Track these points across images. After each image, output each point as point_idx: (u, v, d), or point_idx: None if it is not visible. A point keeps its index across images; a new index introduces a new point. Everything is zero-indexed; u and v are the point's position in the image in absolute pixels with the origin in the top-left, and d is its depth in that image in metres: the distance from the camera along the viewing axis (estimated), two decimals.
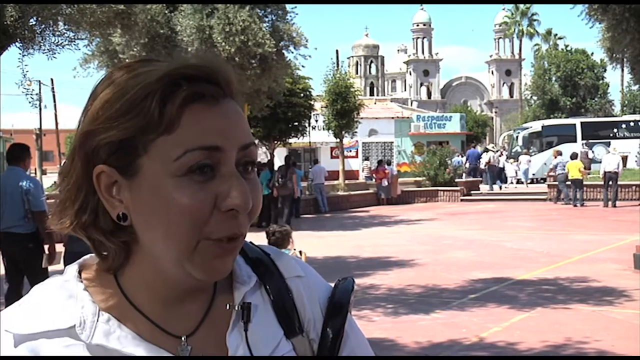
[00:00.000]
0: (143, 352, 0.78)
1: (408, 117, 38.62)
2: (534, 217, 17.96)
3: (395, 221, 17.87)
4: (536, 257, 10.93)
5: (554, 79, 53.91)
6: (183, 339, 0.81)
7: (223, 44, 13.71)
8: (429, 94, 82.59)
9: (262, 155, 24.77)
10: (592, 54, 52.67)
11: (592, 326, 6.55)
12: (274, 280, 0.88)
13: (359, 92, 27.27)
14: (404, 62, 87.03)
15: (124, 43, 14.05)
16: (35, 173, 32.51)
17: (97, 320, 0.78)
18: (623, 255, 10.17)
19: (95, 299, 0.80)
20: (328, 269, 9.22)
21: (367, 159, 35.34)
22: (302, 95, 24.30)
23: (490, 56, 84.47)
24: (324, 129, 27.37)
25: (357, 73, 78.34)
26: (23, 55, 9.24)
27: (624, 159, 24.38)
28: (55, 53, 9.29)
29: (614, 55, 12.23)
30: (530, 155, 28.53)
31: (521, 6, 70.81)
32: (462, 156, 29.57)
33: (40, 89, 39.50)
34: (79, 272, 0.84)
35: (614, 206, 19.19)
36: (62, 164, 0.86)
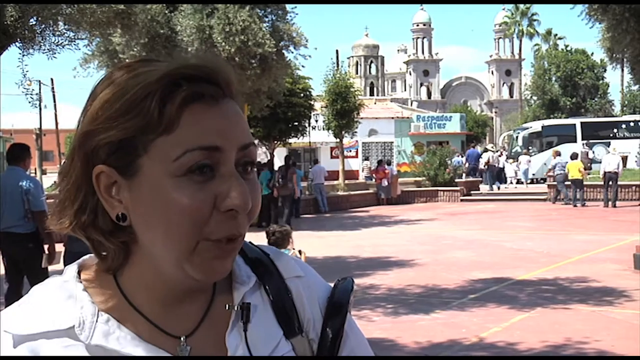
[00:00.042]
0: (142, 352, 0.78)
1: (408, 117, 38.63)
2: (533, 217, 17.96)
3: (395, 221, 17.87)
4: (536, 257, 10.93)
5: (554, 79, 53.93)
6: (182, 339, 0.81)
7: (223, 44, 13.71)
8: (429, 94, 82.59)
9: (262, 155, 24.78)
10: (592, 54, 52.74)
11: (592, 326, 6.55)
12: (274, 280, 0.88)
13: (359, 92, 27.27)
14: (404, 62, 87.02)
15: (124, 43, 14.05)
16: (35, 173, 32.50)
17: (96, 321, 0.78)
18: (623, 255, 10.17)
19: (95, 299, 0.80)
20: (328, 269, 9.22)
21: (367, 159, 35.33)
22: (302, 95, 24.31)
23: (490, 56, 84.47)
24: (324, 129, 27.38)
25: (357, 73, 78.33)
26: (23, 55, 9.25)
27: (624, 159, 24.38)
28: (55, 53, 9.29)
29: (614, 55, 12.22)
30: (530, 156, 28.53)
31: (521, 6, 70.82)
32: (462, 156, 29.57)
33: (40, 89, 39.56)
34: (78, 273, 0.83)
35: (614, 206, 19.20)
36: (61, 164, 0.85)
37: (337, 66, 27.85)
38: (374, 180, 25.04)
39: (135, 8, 10.52)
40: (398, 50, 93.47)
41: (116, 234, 0.80)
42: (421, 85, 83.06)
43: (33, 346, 0.76)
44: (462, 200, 23.74)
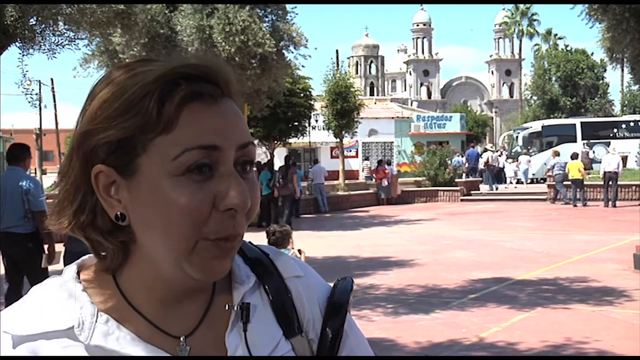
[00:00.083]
0: (141, 352, 0.78)
1: (408, 117, 38.62)
2: (533, 217, 17.96)
3: (395, 221, 17.87)
4: (536, 257, 10.93)
5: (554, 79, 53.91)
6: (182, 339, 0.81)
7: (223, 44, 13.71)
8: (429, 94, 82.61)
9: (262, 155, 24.78)
10: (592, 54, 52.70)
11: (592, 326, 6.55)
12: (273, 280, 0.88)
13: (359, 92, 27.28)
14: (404, 62, 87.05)
15: (124, 43, 14.05)
16: (35, 173, 32.50)
17: (96, 321, 0.78)
18: (623, 255, 10.17)
19: (94, 299, 0.80)
20: (328, 269, 9.22)
21: (367, 159, 35.33)
22: (302, 95, 24.31)
23: (490, 56, 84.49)
24: (324, 129, 27.38)
25: (357, 73, 78.34)
26: (23, 55, 9.25)
27: (624, 159, 24.39)
28: (55, 53, 9.29)
29: (614, 55, 12.22)
30: (530, 155, 28.54)
31: (521, 6, 70.84)
32: (462, 156, 29.57)
33: (40, 89, 39.58)
34: (78, 273, 0.83)
35: (614, 206, 19.20)
36: (61, 164, 0.85)
37: (337, 66, 27.87)
38: (374, 180, 25.04)
39: (135, 8, 10.52)
40: (398, 50, 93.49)
41: (115, 233, 0.79)
42: (421, 85, 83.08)
43: (33, 346, 0.76)
44: (462, 200, 23.75)
